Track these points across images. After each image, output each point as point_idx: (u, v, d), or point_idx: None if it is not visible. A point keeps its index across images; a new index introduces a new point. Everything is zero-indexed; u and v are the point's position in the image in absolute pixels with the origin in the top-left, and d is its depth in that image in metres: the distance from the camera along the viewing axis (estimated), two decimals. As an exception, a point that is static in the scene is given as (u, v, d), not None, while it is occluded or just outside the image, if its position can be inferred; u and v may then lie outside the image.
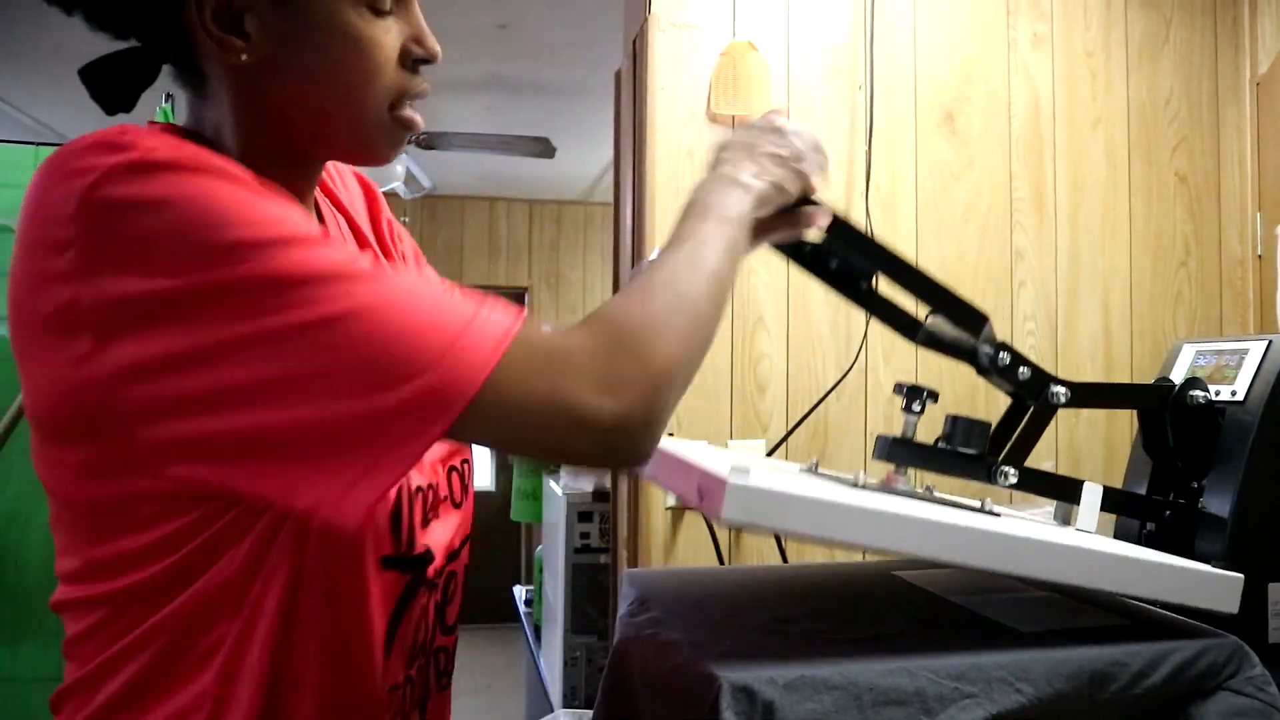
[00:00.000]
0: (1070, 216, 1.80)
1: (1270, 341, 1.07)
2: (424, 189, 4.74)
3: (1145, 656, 0.77)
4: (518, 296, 6.11)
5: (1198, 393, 1.07)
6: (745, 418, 1.62)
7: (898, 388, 1.01)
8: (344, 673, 0.66)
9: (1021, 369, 0.99)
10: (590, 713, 1.03)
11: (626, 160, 1.77)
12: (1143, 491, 1.15)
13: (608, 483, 2.04)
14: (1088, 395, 1.05)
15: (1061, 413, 1.66)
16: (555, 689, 2.22)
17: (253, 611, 0.61)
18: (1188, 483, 1.09)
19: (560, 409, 0.56)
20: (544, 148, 3.92)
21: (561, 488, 2.30)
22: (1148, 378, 1.44)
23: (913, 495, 0.92)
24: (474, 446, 0.79)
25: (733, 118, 1.63)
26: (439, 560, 0.74)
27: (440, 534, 0.75)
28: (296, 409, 0.54)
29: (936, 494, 1.02)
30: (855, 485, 0.89)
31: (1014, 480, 0.98)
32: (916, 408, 0.99)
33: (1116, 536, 1.14)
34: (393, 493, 0.66)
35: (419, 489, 0.71)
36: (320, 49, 0.65)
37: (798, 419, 1.63)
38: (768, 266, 1.64)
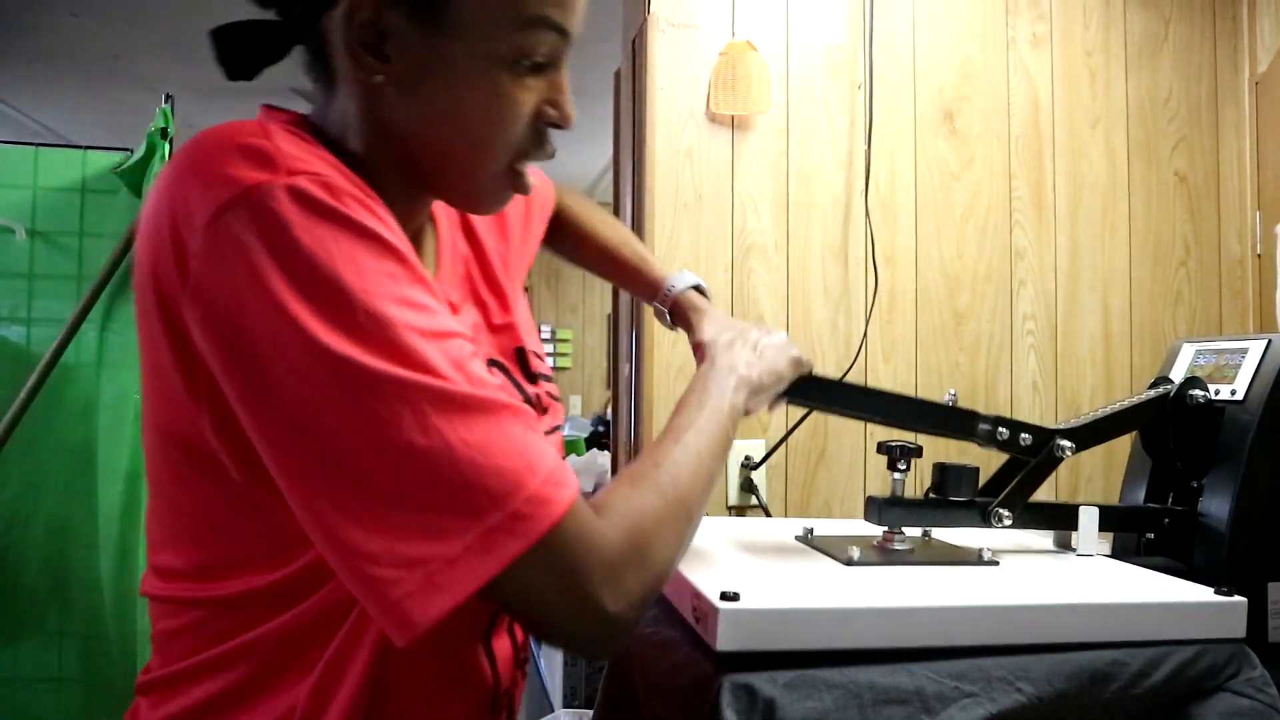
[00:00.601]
0: (1070, 216, 1.80)
1: (1270, 341, 1.07)
2: (424, 189, 4.74)
3: (1145, 656, 0.77)
4: (517, 296, 6.10)
5: (1197, 392, 1.08)
6: (745, 418, 1.62)
7: (880, 447, 1.02)
8: (449, 681, 0.66)
9: (1023, 436, 1.01)
10: (590, 713, 1.03)
11: (626, 160, 1.77)
12: (1142, 491, 1.15)
13: (607, 481, 2.04)
14: (1091, 436, 1.06)
15: (1062, 415, 1.67)
16: (555, 689, 2.22)
17: (353, 631, 0.61)
18: (1187, 482, 1.09)
19: (581, 599, 0.56)
20: (544, 148, 3.92)
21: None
22: (1147, 377, 1.45)
23: (909, 557, 0.93)
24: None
25: (732, 117, 1.63)
26: None
27: None
28: (359, 507, 0.53)
29: (934, 540, 1.03)
30: (851, 562, 0.89)
31: (1009, 523, 0.99)
32: (902, 466, 1.00)
33: (1116, 545, 1.14)
34: None
35: None
36: (457, 93, 0.62)
37: (798, 419, 1.63)
38: (767, 266, 1.64)
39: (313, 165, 0.56)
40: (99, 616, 1.86)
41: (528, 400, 0.77)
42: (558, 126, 0.68)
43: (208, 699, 0.62)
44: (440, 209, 0.78)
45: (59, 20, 3.16)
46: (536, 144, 0.68)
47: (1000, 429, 1.00)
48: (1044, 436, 1.01)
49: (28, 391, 1.87)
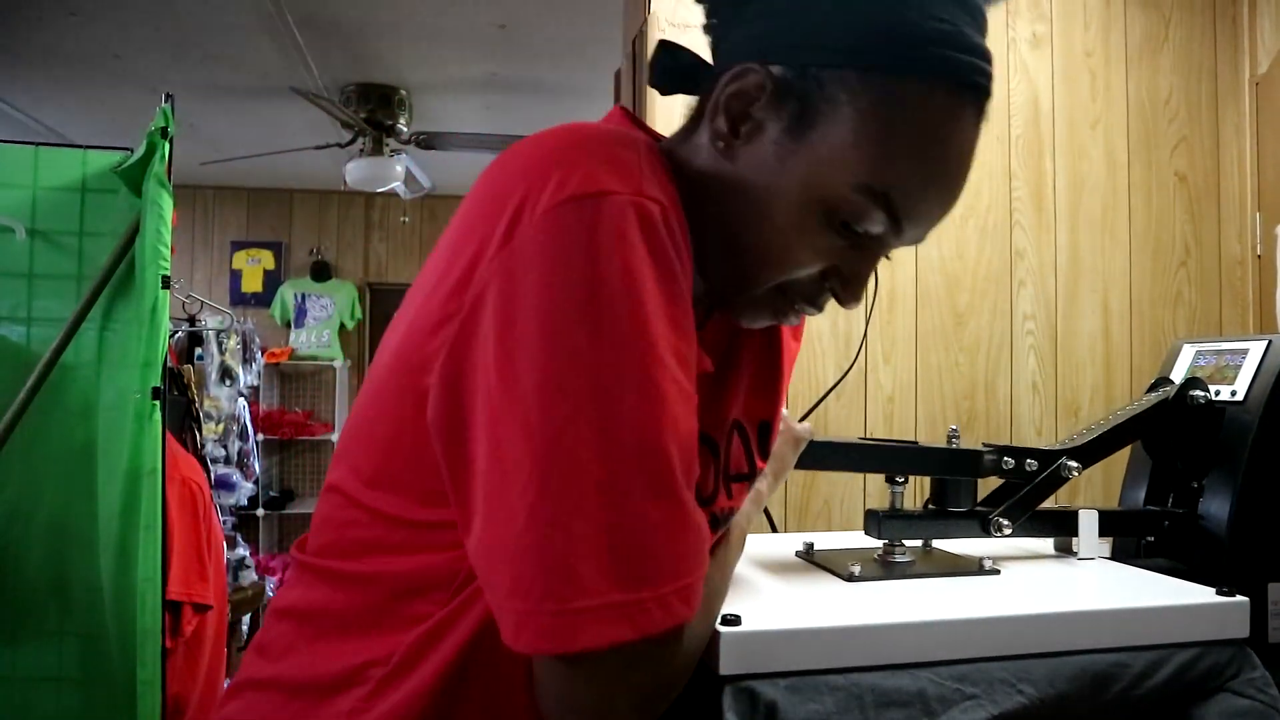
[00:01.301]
0: (1070, 216, 1.80)
1: (1270, 341, 1.07)
2: (424, 189, 4.74)
3: (1147, 658, 0.77)
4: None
5: (1198, 393, 1.08)
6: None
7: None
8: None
9: (1028, 462, 1.01)
10: (591, 713, 1.03)
11: (626, 160, 1.77)
12: (1142, 492, 1.15)
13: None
14: (1096, 452, 1.06)
15: (1062, 415, 1.67)
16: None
17: (466, 602, 0.61)
18: (1187, 483, 1.09)
19: (637, 706, 0.57)
20: (543, 147, 3.92)
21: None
22: (1147, 378, 1.45)
23: (910, 570, 0.94)
24: None
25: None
26: None
27: None
28: (539, 516, 0.53)
29: (935, 550, 1.03)
30: (852, 578, 0.89)
31: (1009, 532, 0.99)
32: (900, 479, 1.00)
33: (1115, 547, 1.14)
34: None
35: None
36: (771, 200, 0.63)
37: (798, 419, 1.63)
38: (768, 266, 1.64)
39: (661, 194, 0.57)
40: (99, 616, 1.86)
41: (742, 476, 0.79)
42: (836, 297, 0.67)
43: (321, 609, 0.65)
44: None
45: (59, 20, 3.16)
46: (809, 296, 0.67)
47: (1005, 459, 1.00)
48: (1050, 459, 1.01)
49: (28, 391, 1.87)
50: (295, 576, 0.70)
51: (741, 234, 0.65)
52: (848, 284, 0.66)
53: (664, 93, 0.72)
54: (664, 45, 0.71)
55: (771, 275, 0.65)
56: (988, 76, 0.64)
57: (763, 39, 0.63)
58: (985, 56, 0.64)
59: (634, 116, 0.72)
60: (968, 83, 0.62)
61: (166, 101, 1.88)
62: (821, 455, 0.96)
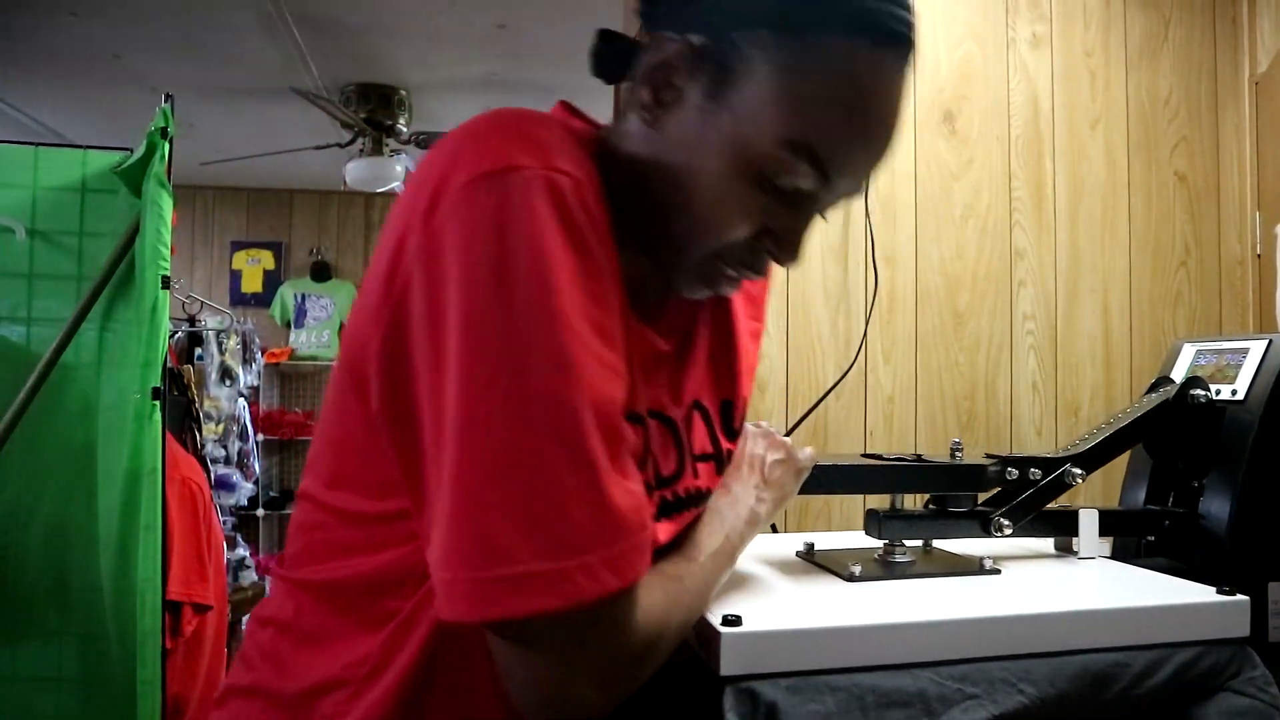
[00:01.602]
0: (1070, 216, 1.80)
1: (1270, 341, 1.07)
2: (423, 189, 4.74)
3: (1148, 657, 0.77)
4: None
5: (1199, 392, 1.08)
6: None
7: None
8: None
9: (1033, 471, 1.01)
10: (591, 713, 1.03)
11: (626, 160, 1.77)
12: (1143, 491, 1.15)
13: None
14: (1100, 457, 1.06)
15: (1062, 415, 1.67)
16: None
17: (427, 595, 0.62)
18: (1188, 482, 1.09)
19: (564, 677, 0.57)
20: (543, 147, 3.92)
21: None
22: (1147, 378, 1.45)
23: (910, 569, 0.94)
24: None
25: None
26: None
27: None
28: (469, 485, 0.54)
29: (935, 550, 1.03)
30: (852, 578, 0.89)
31: (1009, 532, 1.00)
32: None
33: (1116, 546, 1.14)
34: None
35: None
36: (697, 166, 0.63)
37: (798, 419, 1.63)
38: (768, 266, 1.64)
39: (574, 168, 0.58)
40: (99, 616, 1.86)
41: (707, 456, 0.79)
42: (773, 257, 0.68)
43: (299, 618, 0.67)
44: None
45: (59, 20, 3.16)
46: (748, 260, 0.67)
47: (1009, 470, 1.00)
48: (1054, 467, 1.01)
49: (28, 391, 1.87)
50: (274, 587, 0.72)
51: (674, 204, 0.65)
52: (783, 243, 0.66)
53: (608, 81, 0.72)
54: (601, 34, 0.71)
55: (707, 241, 0.65)
56: (908, 25, 0.63)
57: (684, 10, 0.64)
58: (903, 4, 0.63)
59: (574, 109, 0.73)
60: (887, 32, 0.62)
61: (166, 101, 1.88)
62: (826, 480, 0.96)
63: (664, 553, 0.71)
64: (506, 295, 0.54)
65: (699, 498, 0.77)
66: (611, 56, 0.71)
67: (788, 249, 0.67)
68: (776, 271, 1.61)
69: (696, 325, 0.80)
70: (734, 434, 0.84)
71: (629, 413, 0.66)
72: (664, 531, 0.71)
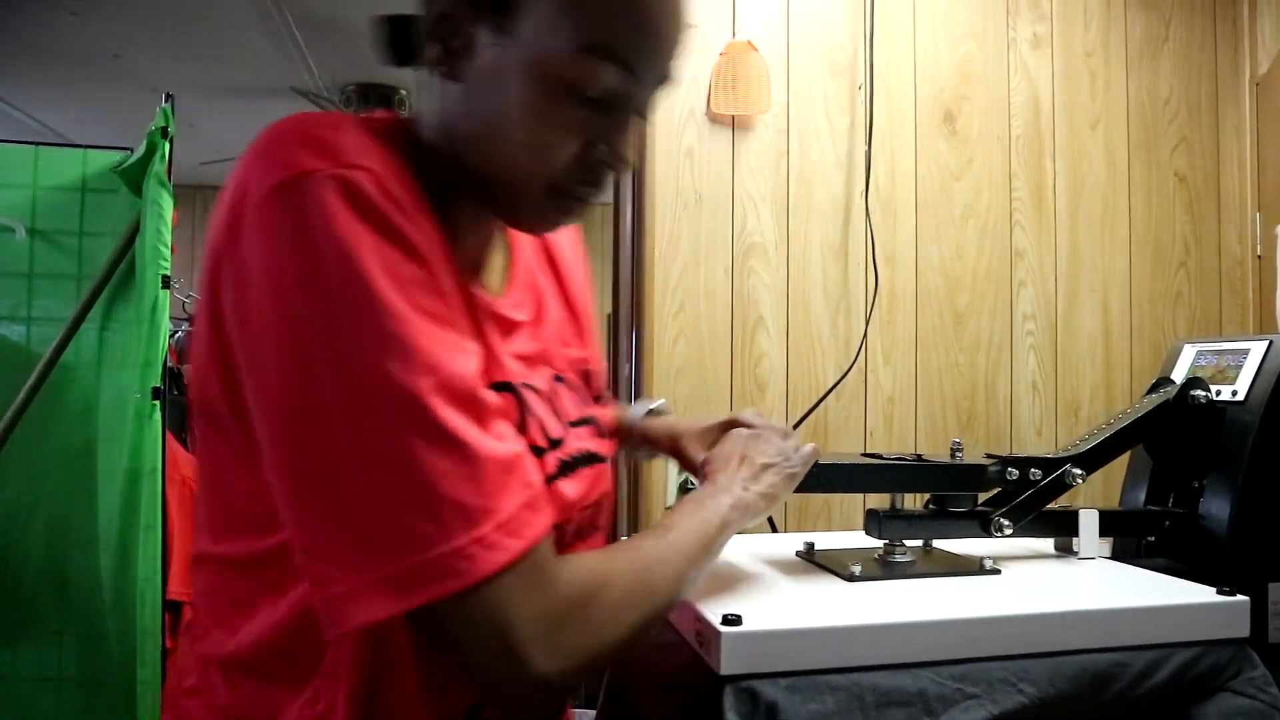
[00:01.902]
0: (1070, 216, 1.80)
1: (1271, 342, 1.07)
2: (423, 189, 4.74)
3: (1147, 657, 0.77)
4: (517, 296, 6.11)
5: (1200, 393, 1.08)
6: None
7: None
8: (432, 691, 0.66)
9: (1033, 471, 1.01)
10: (592, 713, 1.03)
11: (626, 160, 1.77)
12: (1143, 491, 1.15)
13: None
14: (1100, 457, 1.06)
15: (1062, 415, 1.67)
16: (555, 689, 2.22)
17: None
18: (1188, 482, 1.09)
19: (504, 652, 0.56)
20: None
21: (561, 488, 2.30)
22: (1147, 378, 1.44)
23: (910, 569, 0.94)
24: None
25: (732, 117, 1.63)
26: None
27: None
28: (320, 493, 0.54)
29: (935, 550, 1.03)
30: (852, 578, 0.89)
31: (1009, 532, 0.99)
32: None
33: (1116, 547, 1.14)
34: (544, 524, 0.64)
35: (554, 527, 0.69)
36: (507, 101, 0.63)
37: (798, 419, 1.63)
38: (767, 266, 1.64)
39: (369, 161, 0.57)
40: (99, 616, 1.86)
41: (585, 421, 0.78)
42: (608, 167, 0.67)
43: (221, 697, 0.64)
44: (522, 254, 0.80)
45: (59, 20, 3.16)
46: (585, 178, 0.66)
47: (1010, 470, 1.00)
48: (1054, 467, 1.01)
49: (28, 391, 1.87)
50: (190, 658, 0.68)
51: (499, 146, 0.64)
52: (613, 151, 0.66)
53: (398, 64, 0.71)
54: (381, 20, 0.69)
55: (540, 170, 0.64)
56: None
57: None
58: None
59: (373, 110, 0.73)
60: None
61: (166, 101, 1.88)
62: (826, 480, 0.96)
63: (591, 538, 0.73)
64: (322, 299, 0.54)
65: (592, 458, 0.77)
66: (397, 38, 0.70)
67: (619, 155, 0.66)
68: (774, 270, 1.62)
69: (543, 295, 0.80)
70: (601, 399, 0.83)
71: (500, 383, 0.66)
72: (572, 489, 0.71)
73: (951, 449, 1.04)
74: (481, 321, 0.68)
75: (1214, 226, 1.87)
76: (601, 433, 0.80)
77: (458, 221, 0.67)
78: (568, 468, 0.72)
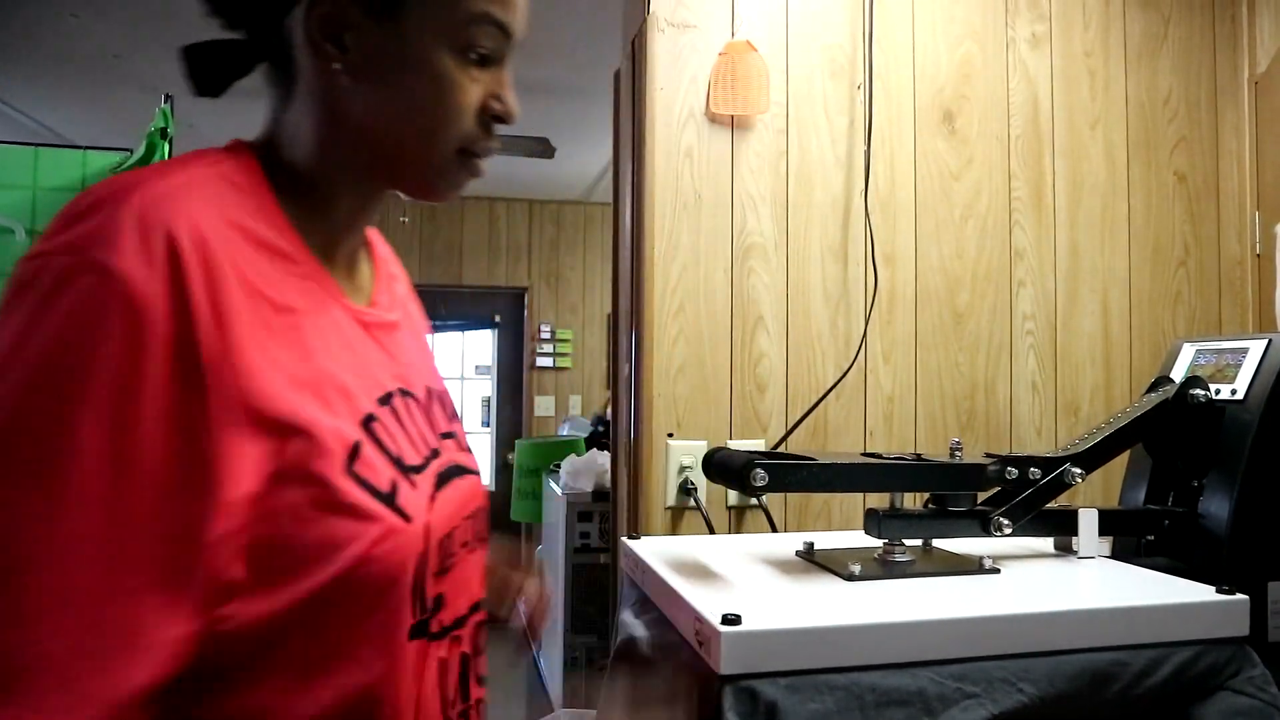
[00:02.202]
0: (1069, 216, 1.80)
1: (1270, 341, 1.07)
2: (423, 189, 4.74)
3: (1147, 657, 0.77)
4: (518, 296, 6.11)
5: (1199, 391, 1.08)
6: (745, 417, 1.62)
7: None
8: None
9: (1032, 470, 1.01)
10: (592, 712, 1.03)
11: (626, 160, 1.77)
12: (1143, 491, 1.15)
13: (607, 482, 2.04)
14: (1099, 457, 1.06)
15: (1061, 415, 1.68)
16: (555, 689, 2.22)
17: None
18: (1188, 482, 1.09)
19: None
20: (544, 148, 3.92)
21: (561, 487, 2.30)
22: (1147, 378, 1.45)
23: (910, 569, 0.94)
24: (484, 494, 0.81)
25: (732, 117, 1.63)
26: (461, 608, 0.73)
27: (459, 581, 0.73)
28: None
29: (935, 550, 1.03)
30: (852, 578, 0.89)
31: (1009, 531, 1.00)
32: None
33: (1116, 546, 1.14)
34: (413, 556, 0.65)
35: (443, 538, 0.70)
36: (409, 81, 0.68)
37: (797, 419, 1.63)
38: (767, 266, 1.64)
39: (125, 239, 0.54)
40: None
41: (450, 435, 0.79)
42: (501, 120, 0.73)
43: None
44: (374, 245, 0.83)
45: (59, 20, 3.16)
46: (483, 135, 0.73)
47: (1009, 469, 1.00)
48: (1053, 466, 1.01)
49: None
50: None
51: (401, 128, 0.69)
52: (502, 100, 0.73)
53: (215, 94, 0.73)
54: (188, 50, 0.73)
55: (451, 134, 0.70)
56: None
57: None
58: None
59: (240, 143, 0.72)
60: None
61: (166, 102, 1.88)
62: (826, 479, 0.96)
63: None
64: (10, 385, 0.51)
65: (459, 469, 0.78)
66: (214, 66, 0.73)
67: (507, 105, 0.73)
68: (774, 270, 1.62)
69: (405, 309, 0.84)
70: (454, 418, 0.85)
71: (384, 395, 0.69)
72: (453, 497, 0.73)
73: (951, 449, 1.04)
74: (366, 324, 0.71)
75: (1213, 226, 1.88)
76: (464, 447, 0.82)
77: (333, 227, 0.71)
78: (445, 478, 0.73)
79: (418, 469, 0.69)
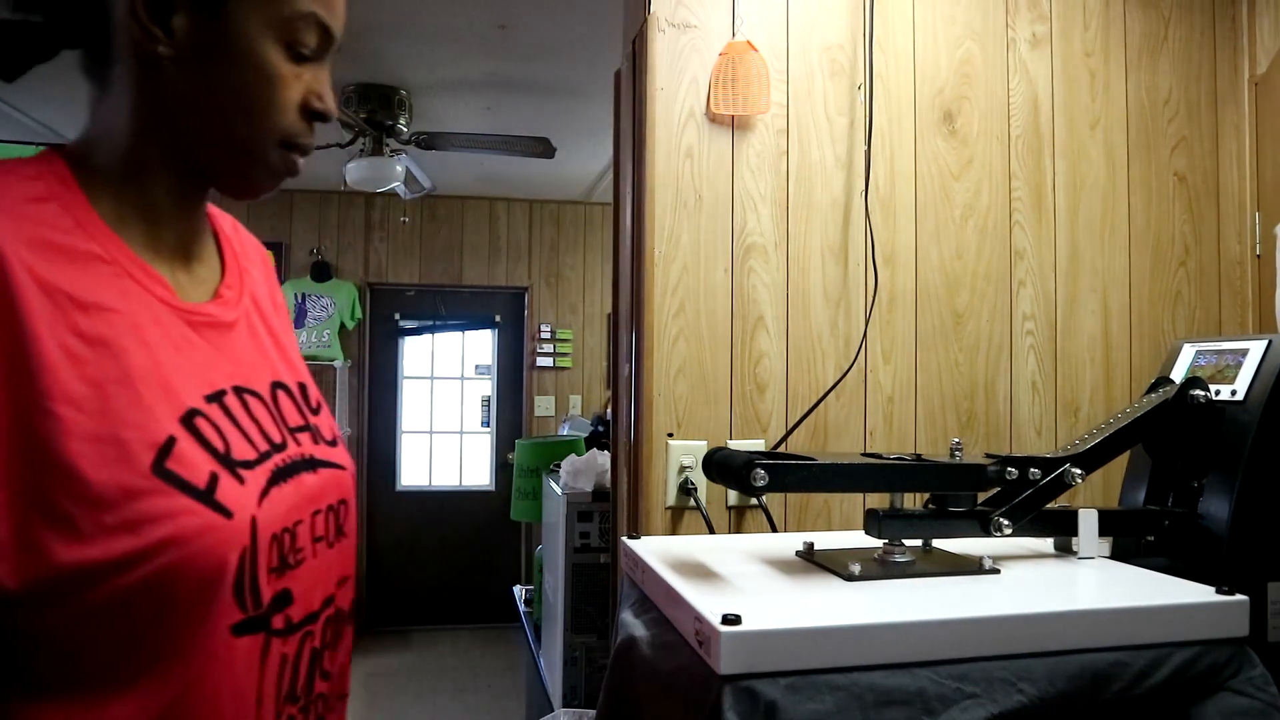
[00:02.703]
0: (1069, 216, 1.80)
1: (1270, 341, 1.07)
2: (424, 189, 4.74)
3: (1147, 657, 0.77)
4: (518, 296, 6.12)
5: (1199, 392, 1.08)
6: (745, 417, 1.62)
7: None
8: None
9: (1032, 471, 1.01)
10: (592, 712, 1.04)
11: (626, 160, 1.77)
12: (1142, 491, 1.15)
13: (607, 482, 2.04)
14: (1100, 457, 1.06)
15: (1061, 415, 1.68)
16: (555, 689, 2.22)
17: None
18: (1188, 482, 1.09)
19: None
20: (544, 148, 3.92)
21: (561, 487, 2.30)
22: (1147, 378, 1.45)
23: (910, 569, 0.94)
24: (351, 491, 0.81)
25: (732, 117, 1.63)
26: (313, 604, 0.73)
27: (311, 577, 0.73)
28: None
29: (935, 550, 1.03)
30: (852, 578, 0.89)
31: (1009, 532, 1.00)
32: None
33: (1116, 546, 1.14)
34: (235, 551, 0.64)
35: (281, 532, 0.70)
36: (233, 72, 0.69)
37: (797, 419, 1.63)
38: (767, 266, 1.64)
39: None
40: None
41: (305, 428, 0.79)
42: (321, 117, 0.74)
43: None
44: (228, 240, 0.83)
45: (58, 20, 3.15)
46: (304, 129, 0.74)
47: (1009, 469, 1.00)
48: (1054, 467, 1.01)
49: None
50: None
51: (222, 119, 0.70)
52: (322, 98, 0.74)
53: (9, 78, 0.75)
54: None
55: (273, 126, 0.72)
56: None
57: None
58: None
59: (50, 149, 0.75)
60: None
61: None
62: (826, 479, 0.96)
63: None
64: None
65: (311, 463, 0.77)
66: (12, 50, 0.73)
67: (326, 102, 0.75)
68: (774, 270, 1.62)
69: (256, 303, 0.83)
70: (317, 410, 0.84)
71: (214, 392, 0.69)
72: (292, 493, 0.72)
73: (951, 449, 1.04)
74: (193, 323, 0.71)
75: (1213, 226, 1.88)
76: (323, 440, 0.81)
77: (156, 221, 0.71)
78: (285, 472, 0.72)
79: (249, 464, 0.68)
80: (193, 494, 0.62)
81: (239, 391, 0.72)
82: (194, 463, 0.63)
